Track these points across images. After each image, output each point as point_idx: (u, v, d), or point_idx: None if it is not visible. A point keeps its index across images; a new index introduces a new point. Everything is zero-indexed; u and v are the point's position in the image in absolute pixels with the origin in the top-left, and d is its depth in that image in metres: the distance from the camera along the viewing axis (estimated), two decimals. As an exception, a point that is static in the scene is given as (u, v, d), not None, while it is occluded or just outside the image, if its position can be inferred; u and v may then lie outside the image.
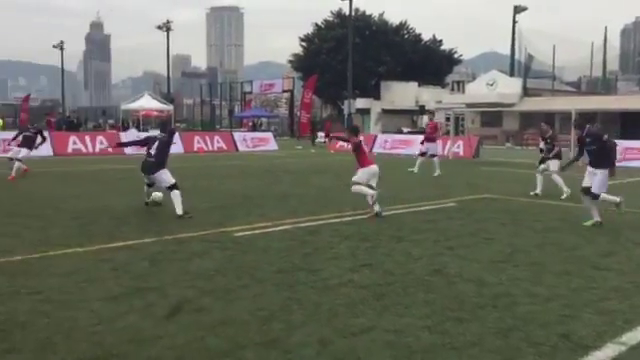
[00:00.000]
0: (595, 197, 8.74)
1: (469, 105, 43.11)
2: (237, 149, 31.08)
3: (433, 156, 17.99)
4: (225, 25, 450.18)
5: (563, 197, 11.91)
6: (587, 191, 8.81)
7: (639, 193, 13.61)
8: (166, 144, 9.93)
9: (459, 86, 63.33)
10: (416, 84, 57.31)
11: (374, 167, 9.79)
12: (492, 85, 46.56)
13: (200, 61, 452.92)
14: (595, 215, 8.83)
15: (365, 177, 9.74)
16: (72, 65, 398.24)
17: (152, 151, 9.70)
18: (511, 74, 52.07)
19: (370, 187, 9.61)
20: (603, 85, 63.30)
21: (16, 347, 3.91)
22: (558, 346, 4.05)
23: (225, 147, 30.89)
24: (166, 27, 62.31)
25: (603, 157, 8.79)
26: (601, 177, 8.73)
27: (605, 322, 4.54)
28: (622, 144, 24.48)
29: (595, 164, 8.82)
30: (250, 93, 60.78)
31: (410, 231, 8.30)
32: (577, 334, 4.27)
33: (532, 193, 12.51)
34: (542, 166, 12.83)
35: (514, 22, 52.32)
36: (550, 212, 10.26)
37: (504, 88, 45.24)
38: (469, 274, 5.93)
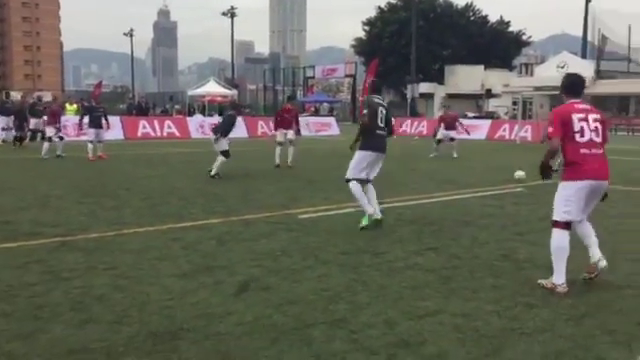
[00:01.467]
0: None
1: (538, 89, 41.72)
2: (300, 134, 31.24)
3: (439, 141, 18.42)
4: (288, 11, 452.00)
5: None
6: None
7: None
8: (230, 118, 12.69)
9: (527, 69, 61.35)
10: (482, 67, 55.93)
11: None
12: (563, 68, 44.83)
13: (263, 47, 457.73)
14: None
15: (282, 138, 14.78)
16: (141, 52, 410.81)
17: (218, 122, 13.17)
18: (583, 56, 50.04)
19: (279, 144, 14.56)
20: (683, 67, 59.79)
21: (93, 318, 4.09)
22: (635, 334, 3.88)
23: (287, 131, 31.09)
24: (230, 13, 63.27)
25: None
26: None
27: (687, 312, 4.32)
28: None
29: None
30: (312, 78, 60.91)
31: (477, 216, 8.14)
32: (656, 323, 4.09)
33: None
34: None
35: (587, 2, 50.08)
36: (625, 197, 9.81)
37: (575, 70, 43.09)
38: (540, 260, 5.75)
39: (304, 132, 31.35)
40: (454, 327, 4.00)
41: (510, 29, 66.08)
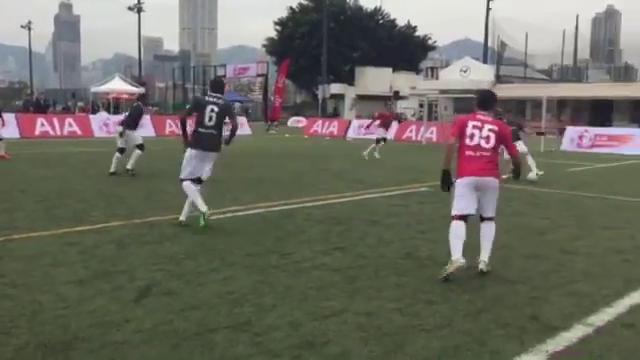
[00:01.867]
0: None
1: (442, 91, 43.30)
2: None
3: (379, 141, 18.32)
4: (198, 7, 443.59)
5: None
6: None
7: (608, 179, 13.84)
8: (136, 109, 12.64)
9: (433, 72, 63.61)
10: (390, 70, 57.36)
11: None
12: (465, 72, 46.88)
13: (172, 44, 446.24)
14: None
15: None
16: (41, 46, 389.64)
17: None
18: (484, 61, 52.47)
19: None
20: (574, 73, 64.31)
21: (-23, 331, 3.80)
22: (527, 327, 4.08)
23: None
24: (137, 8, 61.23)
25: None
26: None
27: (573, 304, 4.60)
28: (592, 131, 24.94)
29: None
30: (224, 77, 60.09)
31: (383, 215, 8.31)
32: (545, 316, 4.32)
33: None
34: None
35: (487, 10, 52.66)
36: (522, 197, 10.36)
37: (477, 75, 45.57)
38: (440, 257, 5.93)
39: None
40: (358, 326, 4.05)
41: (417, 34, 68.23)
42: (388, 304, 4.50)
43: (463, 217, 5.31)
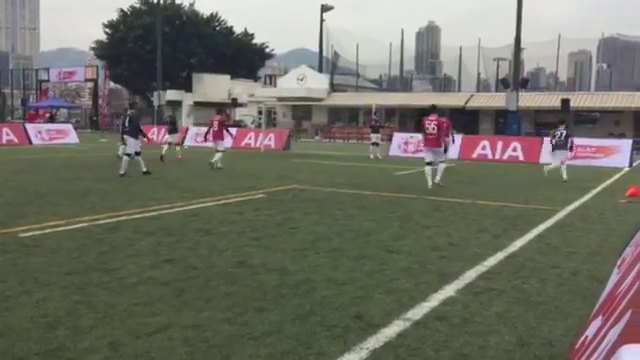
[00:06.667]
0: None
1: (280, 99, 44.13)
2: (31, 142, 28.34)
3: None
4: (17, 5, 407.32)
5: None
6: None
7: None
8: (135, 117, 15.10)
9: (271, 80, 64.56)
10: (228, 77, 57.13)
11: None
12: (302, 80, 48.19)
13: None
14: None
15: None
16: None
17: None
18: (320, 70, 54.31)
19: None
20: (401, 83, 68.97)
21: None
22: (350, 327, 4.22)
23: (16, 140, 27.95)
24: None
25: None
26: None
27: (393, 301, 4.85)
28: (416, 137, 26.79)
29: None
30: (47, 81, 55.79)
31: (217, 224, 8.18)
32: (368, 314, 4.50)
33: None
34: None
35: (321, 20, 54.63)
36: (352, 201, 10.82)
37: (313, 83, 47.07)
38: (273, 263, 5.99)
39: (36, 141, 28.53)
40: (184, 340, 3.91)
41: (254, 41, 68.69)
42: (217, 315, 4.41)
43: (430, 163, 12.75)
